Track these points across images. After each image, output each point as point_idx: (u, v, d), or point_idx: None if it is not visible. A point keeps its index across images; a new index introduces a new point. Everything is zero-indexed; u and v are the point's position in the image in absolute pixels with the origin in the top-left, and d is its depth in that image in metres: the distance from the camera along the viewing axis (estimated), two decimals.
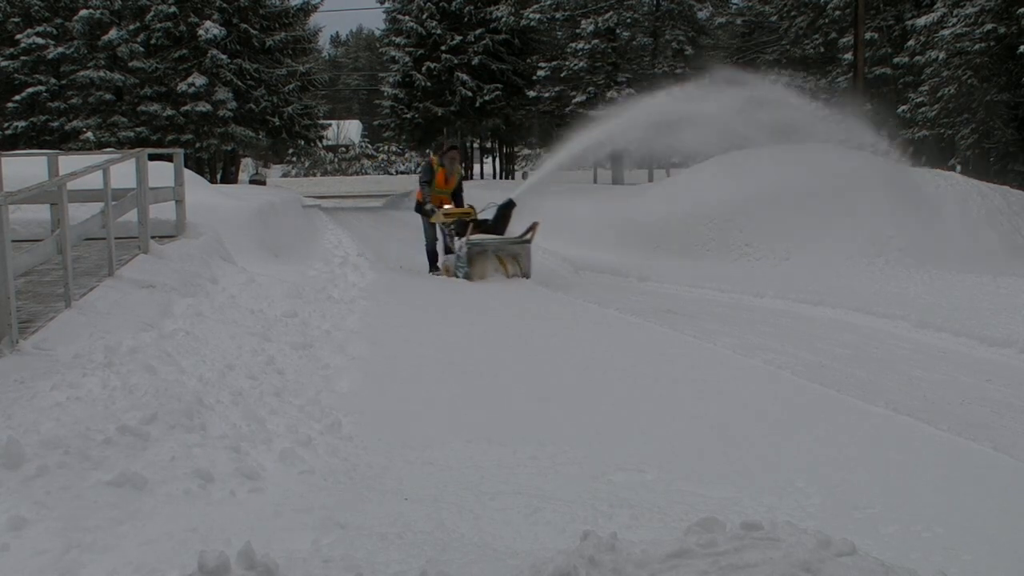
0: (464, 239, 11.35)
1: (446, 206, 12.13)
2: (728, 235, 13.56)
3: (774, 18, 32.25)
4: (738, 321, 8.82)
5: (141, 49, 29.77)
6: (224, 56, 29.68)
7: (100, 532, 3.45)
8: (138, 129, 29.62)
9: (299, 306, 8.62)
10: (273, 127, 32.31)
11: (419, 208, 12.30)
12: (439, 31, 34.99)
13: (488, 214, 12.14)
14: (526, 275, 11.37)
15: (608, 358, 6.97)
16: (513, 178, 42.47)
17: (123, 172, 9.76)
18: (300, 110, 32.94)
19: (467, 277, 11.17)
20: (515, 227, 11.96)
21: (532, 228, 11.57)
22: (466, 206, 12.32)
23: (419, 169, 13.27)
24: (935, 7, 22.38)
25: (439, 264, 12.21)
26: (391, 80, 38.32)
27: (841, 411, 5.39)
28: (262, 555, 3.07)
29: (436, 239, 12.30)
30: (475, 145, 44.16)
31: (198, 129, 29.81)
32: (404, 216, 27.74)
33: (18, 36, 31.12)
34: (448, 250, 11.92)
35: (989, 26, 20.11)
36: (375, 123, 50.50)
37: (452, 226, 11.72)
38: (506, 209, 12.05)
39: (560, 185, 27.39)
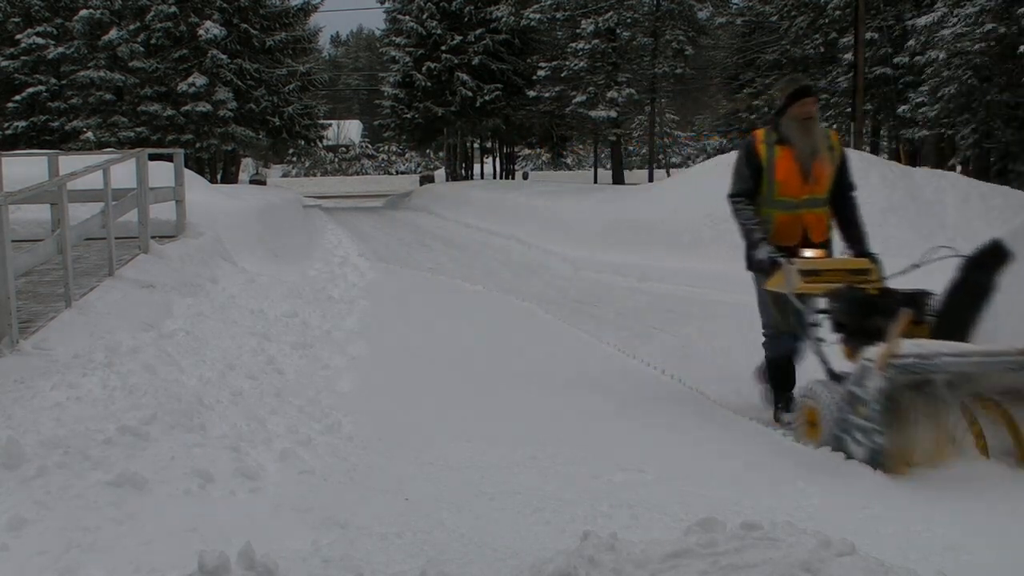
0: (875, 357, 4.16)
1: (808, 252, 5.25)
2: (729, 234, 13.55)
3: (774, 18, 32.27)
4: (739, 321, 8.80)
5: (141, 49, 29.78)
6: (224, 56, 29.70)
7: (100, 532, 3.44)
8: (138, 129, 29.65)
9: (299, 306, 8.63)
10: (273, 127, 32.35)
11: (750, 259, 5.40)
12: (439, 31, 35.02)
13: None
14: None
15: (606, 357, 6.98)
16: (512, 178, 42.38)
17: (123, 172, 9.78)
18: (300, 110, 32.98)
19: (874, 457, 4.13)
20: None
21: None
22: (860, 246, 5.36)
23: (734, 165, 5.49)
24: (935, 7, 22.36)
25: (794, 395, 5.18)
26: (391, 80, 38.38)
27: None
28: (262, 555, 3.06)
29: (792, 328, 5.25)
30: (475, 145, 44.17)
31: (198, 129, 29.83)
32: (405, 216, 27.84)
33: (18, 36, 31.19)
34: (829, 371, 4.78)
35: (989, 26, 20.08)
36: (375, 123, 50.57)
37: (835, 307, 4.85)
38: (981, 270, 5.34)
39: (559, 185, 27.48)
